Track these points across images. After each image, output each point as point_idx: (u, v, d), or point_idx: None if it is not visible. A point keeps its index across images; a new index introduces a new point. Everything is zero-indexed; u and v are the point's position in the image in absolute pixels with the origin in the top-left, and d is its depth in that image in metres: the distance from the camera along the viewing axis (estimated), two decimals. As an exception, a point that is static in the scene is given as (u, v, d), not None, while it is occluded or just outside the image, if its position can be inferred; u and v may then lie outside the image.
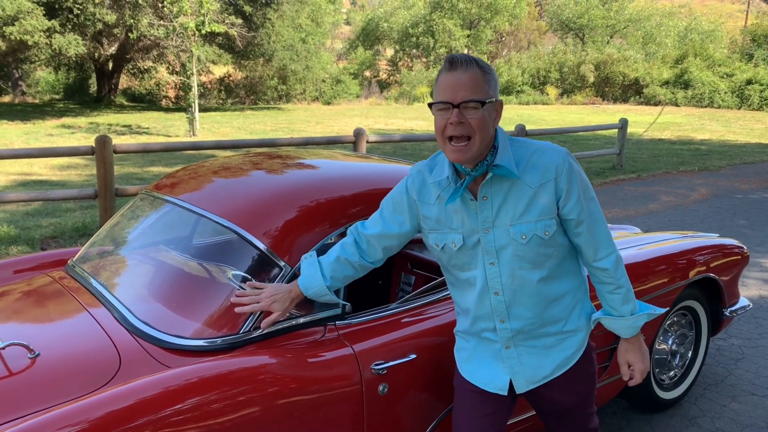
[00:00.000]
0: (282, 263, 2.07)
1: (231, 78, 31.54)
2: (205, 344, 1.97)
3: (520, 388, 1.89)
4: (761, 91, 29.74)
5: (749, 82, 30.34)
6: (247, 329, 1.99)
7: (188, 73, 16.49)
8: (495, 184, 1.73)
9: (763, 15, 44.40)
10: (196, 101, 16.35)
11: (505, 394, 1.89)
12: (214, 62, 26.61)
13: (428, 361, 2.19)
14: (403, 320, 2.24)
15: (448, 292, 2.42)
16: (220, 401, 1.76)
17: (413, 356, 2.13)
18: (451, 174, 1.76)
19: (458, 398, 2.00)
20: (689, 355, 3.36)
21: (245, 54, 26.04)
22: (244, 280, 2.11)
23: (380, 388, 2.05)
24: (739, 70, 31.58)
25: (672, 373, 3.30)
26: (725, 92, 30.39)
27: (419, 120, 22.14)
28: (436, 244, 1.85)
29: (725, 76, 31.28)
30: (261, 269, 2.10)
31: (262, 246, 2.10)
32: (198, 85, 19.88)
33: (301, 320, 2.08)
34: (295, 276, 2.06)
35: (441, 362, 2.23)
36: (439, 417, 2.25)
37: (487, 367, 1.91)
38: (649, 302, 2.86)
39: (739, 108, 29.77)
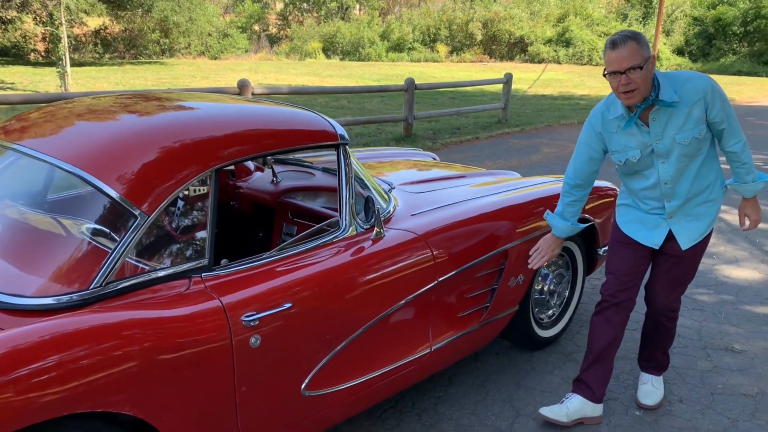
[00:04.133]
0: (137, 212, 1.87)
1: (107, 30, 29.32)
2: (52, 302, 1.76)
3: (685, 245, 2.60)
4: (635, 50, 31.44)
5: (624, 41, 31.97)
6: (99, 283, 1.80)
7: (56, 23, 15.13)
8: (661, 110, 2.41)
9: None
10: (67, 54, 15.08)
11: (657, 248, 2.64)
12: (86, 12, 24.52)
13: (305, 310, 2.09)
14: (277, 269, 2.12)
15: (328, 239, 2.32)
16: (78, 360, 1.60)
17: (288, 305, 2.03)
18: (624, 111, 2.46)
19: (614, 247, 2.74)
20: (566, 294, 3.47)
21: (121, 4, 24.26)
22: (96, 232, 1.90)
23: (252, 340, 1.94)
24: (615, 29, 33.17)
25: (550, 312, 3.40)
26: (602, 50, 31.91)
27: (311, 75, 21.67)
28: (619, 161, 2.57)
29: (603, 35, 32.79)
30: (114, 219, 1.90)
31: (113, 193, 1.89)
32: (70, 38, 18.36)
33: (161, 273, 1.91)
34: (154, 224, 1.92)
35: (319, 310, 2.14)
36: (319, 366, 2.16)
37: (645, 229, 2.65)
38: (528, 243, 2.91)
39: (615, 66, 31.34)
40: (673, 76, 2.43)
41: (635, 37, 2.31)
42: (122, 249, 1.84)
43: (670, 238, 2.63)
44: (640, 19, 34.60)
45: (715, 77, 26.61)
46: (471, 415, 2.80)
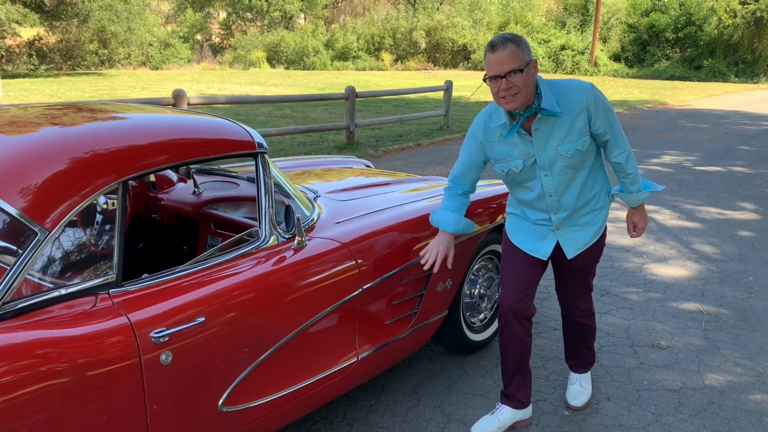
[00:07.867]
0: (37, 228, 1.79)
1: (42, 41, 28.43)
2: (-58, 327, 1.66)
3: (570, 255, 2.60)
4: (573, 56, 32.35)
5: (563, 47, 32.86)
6: (-7, 305, 1.71)
7: (-16, 33, 14.59)
8: (543, 120, 2.35)
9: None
10: (-3, 65, 14.55)
11: (545, 259, 2.62)
12: (18, 23, 23.78)
13: (221, 323, 2.03)
14: (191, 283, 2.06)
15: (246, 249, 2.28)
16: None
17: (201, 320, 1.97)
18: (507, 119, 2.39)
19: (506, 255, 2.68)
20: (496, 297, 3.50)
21: (56, 14, 23.55)
22: (-6, 249, 1.81)
23: (163, 357, 1.87)
24: (554, 36, 34.06)
25: (482, 315, 3.42)
26: (543, 57, 32.66)
27: (255, 85, 21.49)
28: (502, 171, 2.52)
29: (543, 42, 33.58)
30: (13, 236, 1.80)
31: (11, 210, 1.80)
32: (1, 49, 17.59)
33: (64, 291, 1.83)
34: (57, 239, 1.83)
35: (236, 323, 2.08)
36: (237, 380, 2.11)
37: (533, 239, 2.61)
38: (458, 246, 2.91)
39: (555, 71, 32.18)
40: (556, 85, 2.38)
41: (515, 40, 2.25)
42: (20, 267, 1.75)
43: (559, 248, 2.61)
44: (578, 27, 35.59)
45: (650, 82, 27.60)
46: (402, 423, 2.78)
